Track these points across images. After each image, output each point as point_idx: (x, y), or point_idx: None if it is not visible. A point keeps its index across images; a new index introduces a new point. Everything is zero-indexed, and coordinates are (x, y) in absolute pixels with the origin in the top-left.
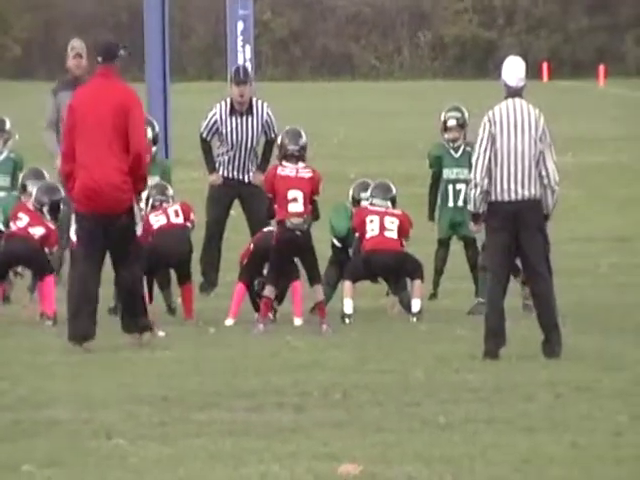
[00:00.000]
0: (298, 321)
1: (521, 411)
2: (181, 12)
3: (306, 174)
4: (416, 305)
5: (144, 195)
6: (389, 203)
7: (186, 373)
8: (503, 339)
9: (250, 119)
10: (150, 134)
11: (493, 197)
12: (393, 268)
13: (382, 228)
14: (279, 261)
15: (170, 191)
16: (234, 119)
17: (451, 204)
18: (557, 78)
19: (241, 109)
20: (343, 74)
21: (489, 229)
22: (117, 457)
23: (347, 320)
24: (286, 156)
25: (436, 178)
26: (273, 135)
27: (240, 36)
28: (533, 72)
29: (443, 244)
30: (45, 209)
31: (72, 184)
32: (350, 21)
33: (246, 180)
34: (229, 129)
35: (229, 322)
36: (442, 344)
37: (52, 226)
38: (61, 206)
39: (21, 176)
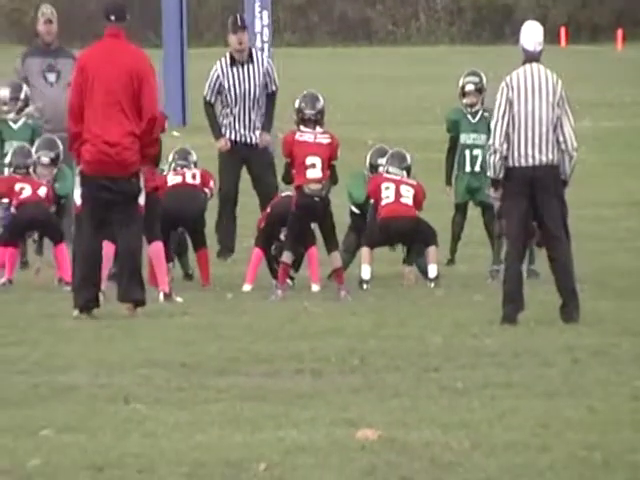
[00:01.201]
0: (316, 287)
1: (539, 376)
2: None
3: (324, 140)
4: (432, 270)
5: (169, 158)
6: (404, 172)
7: (204, 338)
8: (521, 304)
9: (251, 67)
10: None
11: (510, 162)
12: (408, 234)
13: (398, 195)
14: (297, 227)
15: (193, 157)
16: (235, 70)
17: (468, 169)
18: (575, 43)
19: (241, 58)
20: (360, 40)
21: (507, 194)
22: (135, 422)
23: (365, 286)
24: (303, 120)
25: (453, 143)
26: (274, 87)
27: (257, 2)
28: (551, 37)
29: (460, 209)
30: (30, 170)
31: (79, 145)
32: None
33: (253, 142)
34: (231, 81)
35: (246, 288)
36: (460, 309)
37: (44, 181)
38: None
39: (34, 147)
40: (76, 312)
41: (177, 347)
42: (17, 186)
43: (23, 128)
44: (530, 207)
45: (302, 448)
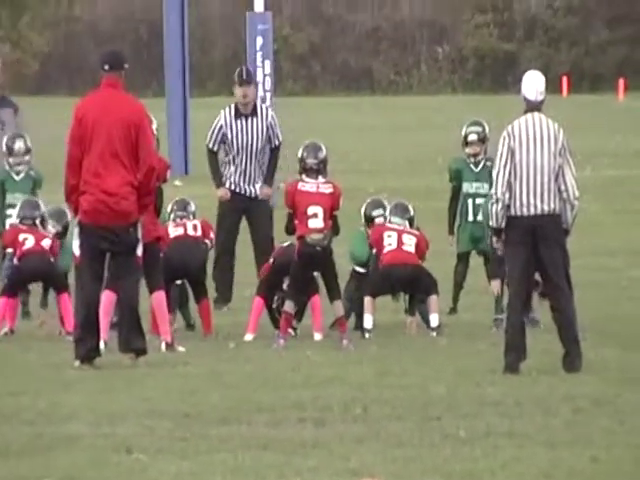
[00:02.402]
0: (318, 336)
1: (541, 425)
2: (201, 27)
3: (326, 190)
4: (434, 320)
5: (168, 209)
6: (407, 223)
7: (206, 388)
8: (523, 353)
9: (255, 121)
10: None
11: (512, 211)
12: (410, 281)
13: (400, 243)
14: (300, 276)
15: (192, 207)
16: (239, 122)
17: (471, 218)
18: (577, 92)
19: (246, 111)
20: (362, 89)
21: (508, 243)
22: (137, 472)
23: (367, 335)
24: (305, 170)
25: (456, 192)
26: (277, 142)
27: (259, 51)
28: (553, 86)
29: (462, 258)
30: (37, 221)
31: (76, 196)
32: (369, 36)
33: (253, 194)
34: (234, 132)
35: (248, 337)
36: (462, 358)
37: (50, 235)
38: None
39: (45, 212)
40: (77, 362)
41: (179, 397)
42: (21, 237)
43: (25, 180)
44: (532, 256)
45: None
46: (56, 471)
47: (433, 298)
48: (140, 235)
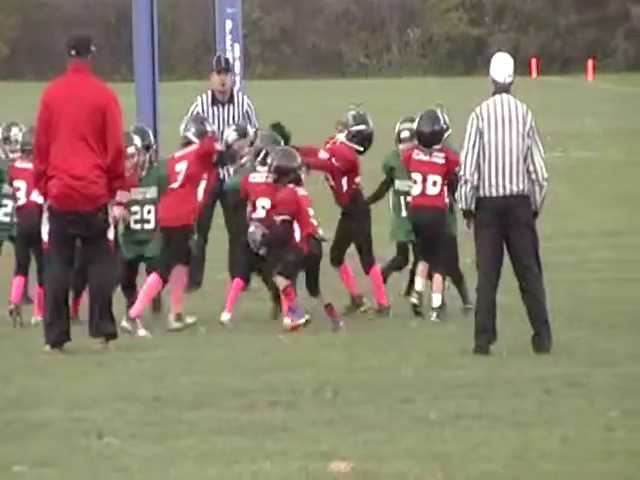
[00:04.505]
0: (288, 320)
1: (512, 407)
2: (170, 11)
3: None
4: (436, 300)
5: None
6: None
7: (177, 372)
8: (493, 335)
9: (232, 108)
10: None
11: (481, 193)
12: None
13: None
14: (301, 270)
15: None
16: (215, 109)
17: (404, 213)
18: (547, 74)
19: (222, 99)
20: (332, 72)
21: (477, 225)
22: (108, 456)
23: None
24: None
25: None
26: (254, 129)
27: (229, 35)
28: (522, 68)
29: (402, 249)
30: None
31: (45, 182)
32: (339, 19)
33: (226, 179)
34: (210, 120)
35: (225, 317)
36: (433, 341)
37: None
38: None
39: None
40: (47, 347)
41: (150, 381)
42: (16, 183)
43: None
44: (502, 238)
45: None
46: (27, 457)
47: (437, 277)
48: (110, 219)
